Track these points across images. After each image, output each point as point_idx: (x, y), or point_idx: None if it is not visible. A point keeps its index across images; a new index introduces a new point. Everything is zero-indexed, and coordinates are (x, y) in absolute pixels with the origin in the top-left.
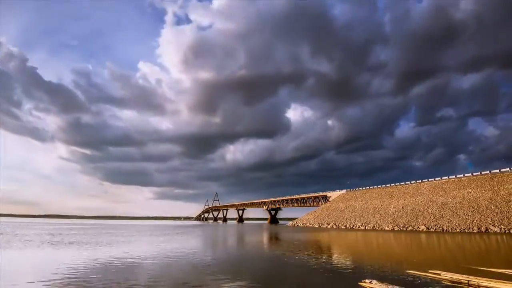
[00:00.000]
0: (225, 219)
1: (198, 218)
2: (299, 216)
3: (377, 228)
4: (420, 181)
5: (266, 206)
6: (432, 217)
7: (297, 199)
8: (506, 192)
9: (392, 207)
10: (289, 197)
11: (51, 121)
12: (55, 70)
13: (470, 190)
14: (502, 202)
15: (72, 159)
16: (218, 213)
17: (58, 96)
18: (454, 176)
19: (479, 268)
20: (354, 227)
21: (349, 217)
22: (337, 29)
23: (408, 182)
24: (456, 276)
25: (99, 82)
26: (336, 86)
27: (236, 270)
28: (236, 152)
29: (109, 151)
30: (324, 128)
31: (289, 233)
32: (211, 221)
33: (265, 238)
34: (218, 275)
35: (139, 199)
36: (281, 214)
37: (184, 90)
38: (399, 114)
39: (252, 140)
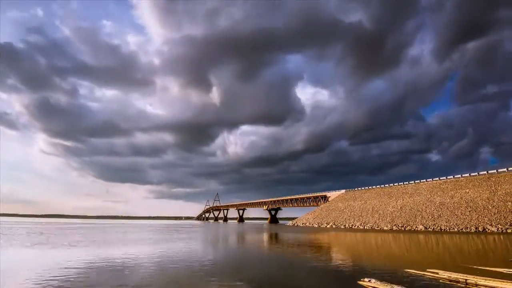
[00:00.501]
0: (225, 219)
1: (199, 218)
2: (299, 215)
3: (376, 228)
4: (419, 181)
5: (266, 206)
6: (430, 217)
7: (296, 199)
8: (504, 192)
9: (390, 207)
10: (289, 197)
11: (16, 102)
12: None
13: (467, 190)
14: (500, 202)
15: (55, 153)
16: (219, 213)
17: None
18: (452, 176)
19: (476, 267)
20: (353, 226)
21: (348, 217)
22: None
23: (407, 182)
24: (454, 275)
25: (59, 38)
26: (368, 44)
27: (236, 269)
28: (236, 145)
29: (92, 144)
30: (342, 111)
31: (288, 232)
32: (212, 221)
33: (265, 237)
34: (219, 274)
35: (139, 199)
36: (281, 214)
37: (172, 57)
38: (434, 88)
39: (254, 127)
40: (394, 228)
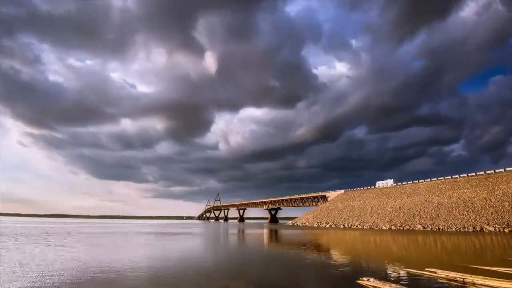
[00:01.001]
0: (226, 219)
1: (200, 217)
2: (298, 215)
3: (374, 228)
4: (417, 181)
5: (267, 206)
6: (428, 217)
7: (296, 199)
8: (501, 192)
9: (389, 207)
10: (288, 197)
11: None
12: None
13: (465, 190)
14: (497, 202)
15: (36, 145)
16: (220, 213)
17: None
18: (450, 177)
19: (474, 266)
20: (352, 226)
21: (347, 216)
22: None
23: (405, 183)
24: (452, 274)
25: None
26: None
27: (236, 269)
28: (237, 134)
29: (72, 133)
30: (363, 88)
31: (288, 232)
32: (213, 220)
33: (265, 237)
34: (220, 273)
35: (137, 198)
36: (281, 214)
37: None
38: (493, 42)
39: (255, 110)
40: (393, 227)
